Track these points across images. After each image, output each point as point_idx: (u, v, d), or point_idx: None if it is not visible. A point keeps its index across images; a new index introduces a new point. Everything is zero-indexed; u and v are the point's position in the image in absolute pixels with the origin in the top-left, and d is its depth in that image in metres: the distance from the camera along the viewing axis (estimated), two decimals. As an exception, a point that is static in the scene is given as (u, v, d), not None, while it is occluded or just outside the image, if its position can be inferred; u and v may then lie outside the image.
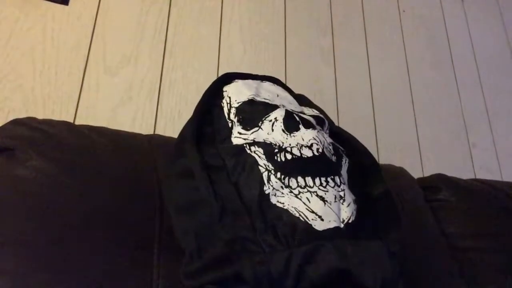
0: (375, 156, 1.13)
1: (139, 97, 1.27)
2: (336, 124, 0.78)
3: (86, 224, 0.62)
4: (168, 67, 1.35)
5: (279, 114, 0.66)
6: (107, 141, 0.75)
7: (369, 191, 0.70)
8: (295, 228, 0.57)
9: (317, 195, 0.59)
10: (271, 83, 0.77)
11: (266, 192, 0.59)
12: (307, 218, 0.58)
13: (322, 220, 0.58)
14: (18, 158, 0.65)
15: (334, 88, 1.59)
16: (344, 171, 0.67)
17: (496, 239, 0.97)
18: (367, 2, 1.84)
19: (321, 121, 0.73)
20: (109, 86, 1.25)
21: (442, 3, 2.07)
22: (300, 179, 0.60)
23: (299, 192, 0.59)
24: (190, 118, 0.70)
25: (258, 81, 0.76)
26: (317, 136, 0.65)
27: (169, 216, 0.67)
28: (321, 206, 0.59)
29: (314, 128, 0.66)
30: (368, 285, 0.56)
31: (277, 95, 0.73)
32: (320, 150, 0.63)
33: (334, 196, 0.60)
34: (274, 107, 0.68)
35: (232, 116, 0.67)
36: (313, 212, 0.58)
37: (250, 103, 0.68)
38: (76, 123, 1.00)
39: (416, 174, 1.10)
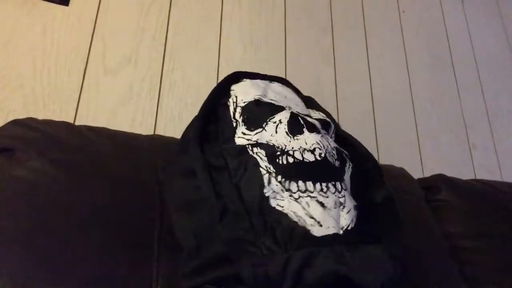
0: (375, 156, 1.12)
1: (139, 97, 1.27)
2: (336, 124, 0.77)
3: (86, 224, 0.62)
4: (168, 68, 1.35)
5: (284, 116, 0.66)
6: (107, 142, 0.75)
7: (372, 196, 0.69)
8: (293, 233, 0.57)
9: (317, 201, 0.59)
10: (280, 84, 0.77)
11: (266, 194, 0.59)
12: (305, 223, 0.57)
13: (321, 226, 0.58)
14: (18, 158, 0.65)
15: (334, 89, 1.59)
16: (347, 176, 0.67)
17: (496, 240, 0.97)
18: (367, 2, 1.84)
19: (327, 125, 0.73)
20: (109, 86, 1.25)
21: (442, 4, 2.07)
22: (300, 183, 0.59)
23: (299, 196, 0.59)
24: (196, 116, 0.70)
25: (267, 82, 0.75)
26: (320, 141, 0.64)
27: (169, 215, 0.67)
28: (321, 212, 0.58)
29: (318, 132, 0.66)
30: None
31: (285, 97, 0.73)
32: (323, 155, 0.63)
33: (334, 202, 0.60)
34: (280, 108, 0.68)
35: (237, 115, 0.67)
36: (312, 217, 0.58)
37: (256, 103, 0.68)
38: (76, 123, 1.00)
39: (416, 174, 1.10)
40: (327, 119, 0.74)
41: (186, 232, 0.62)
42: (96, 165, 0.69)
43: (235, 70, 0.77)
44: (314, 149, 0.63)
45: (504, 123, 1.91)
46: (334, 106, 1.55)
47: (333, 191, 0.61)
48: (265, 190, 0.59)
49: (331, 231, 0.58)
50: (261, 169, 0.61)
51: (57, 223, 0.61)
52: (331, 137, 0.72)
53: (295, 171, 0.61)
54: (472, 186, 1.09)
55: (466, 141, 1.78)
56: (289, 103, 0.71)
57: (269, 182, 0.59)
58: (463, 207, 1.01)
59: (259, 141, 0.63)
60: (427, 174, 1.16)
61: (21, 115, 0.76)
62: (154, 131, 1.24)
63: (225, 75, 0.75)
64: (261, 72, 0.80)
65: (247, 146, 0.63)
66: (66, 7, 1.30)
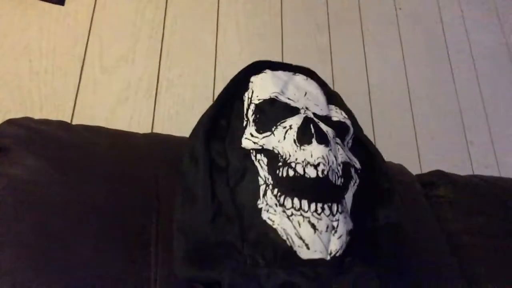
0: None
1: (136, 96, 1.27)
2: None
3: (82, 222, 0.62)
4: (165, 66, 1.34)
5: (295, 122, 0.64)
6: (104, 140, 0.75)
7: (377, 216, 0.67)
8: (279, 250, 0.56)
9: (309, 221, 0.57)
10: (304, 77, 0.73)
11: (259, 206, 0.58)
12: (293, 243, 0.56)
13: (308, 249, 0.56)
14: (14, 158, 0.65)
15: (332, 86, 1.59)
16: (349, 194, 0.65)
17: (495, 236, 0.97)
18: (363, -1, 1.84)
19: (345, 129, 0.70)
20: (106, 85, 1.25)
21: (439, 0, 2.07)
22: (296, 200, 0.58)
23: (292, 214, 0.57)
24: (211, 105, 0.69)
25: (290, 74, 0.73)
26: (327, 155, 0.61)
27: (166, 215, 0.67)
28: (311, 234, 0.57)
29: (327, 144, 0.63)
30: None
31: (305, 93, 0.70)
32: (325, 172, 0.60)
33: (326, 226, 0.58)
34: (295, 110, 0.66)
35: (249, 113, 0.66)
36: (300, 238, 0.57)
37: (271, 102, 0.66)
38: (73, 123, 0.99)
39: (414, 170, 1.10)
40: (346, 122, 0.71)
41: (180, 222, 0.62)
42: (92, 163, 0.69)
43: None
44: (318, 164, 0.60)
45: (501, 119, 1.92)
46: (332, 103, 1.55)
47: (328, 214, 0.58)
48: (258, 202, 0.59)
49: (317, 255, 0.57)
50: (259, 178, 0.60)
51: (54, 222, 0.60)
52: (347, 144, 0.70)
53: (293, 185, 0.59)
54: (470, 182, 1.09)
55: (464, 137, 1.78)
56: (307, 102, 0.68)
57: (264, 194, 0.59)
58: (461, 203, 1.01)
59: (264, 147, 0.62)
60: (425, 170, 1.16)
61: (18, 116, 0.75)
62: (152, 130, 1.24)
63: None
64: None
65: (251, 151, 0.62)
66: (62, 6, 1.29)
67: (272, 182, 0.59)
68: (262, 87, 0.68)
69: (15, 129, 0.69)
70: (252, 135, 0.63)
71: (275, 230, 0.57)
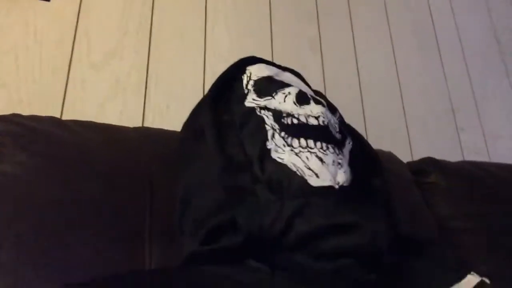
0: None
1: (126, 91, 1.26)
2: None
3: (75, 216, 0.62)
4: (154, 60, 1.33)
5: (293, 90, 0.70)
6: (95, 135, 0.74)
7: (368, 180, 0.72)
8: (291, 181, 0.59)
9: (316, 156, 0.61)
10: (292, 74, 0.81)
11: (268, 147, 0.62)
12: (303, 173, 0.60)
13: (318, 177, 0.60)
14: (4, 154, 0.64)
15: (322, 76, 1.59)
16: (346, 150, 0.70)
17: (484, 220, 0.98)
18: (351, -12, 1.84)
19: (333, 110, 0.77)
20: (95, 81, 1.24)
21: (427, -12, 2.07)
22: (302, 140, 0.63)
23: (300, 151, 0.62)
24: (212, 84, 0.75)
25: (280, 70, 0.80)
26: (325, 112, 0.68)
27: (158, 208, 0.67)
28: (319, 165, 0.61)
29: (323, 105, 0.69)
30: (358, 241, 0.58)
31: (296, 83, 0.77)
32: (326, 123, 0.66)
33: (332, 160, 0.62)
34: (290, 85, 0.72)
35: (249, 86, 0.71)
36: (310, 169, 0.60)
37: (268, 79, 0.72)
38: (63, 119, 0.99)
39: (405, 158, 1.11)
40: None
41: (180, 184, 0.65)
42: (84, 158, 0.69)
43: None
44: (319, 116, 0.66)
45: (490, 105, 1.93)
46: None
47: (332, 151, 0.63)
48: (267, 143, 0.63)
49: (327, 183, 0.60)
50: (266, 125, 0.65)
51: (46, 217, 0.60)
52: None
53: (298, 130, 0.64)
54: (461, 168, 1.10)
55: (454, 124, 1.79)
56: (299, 86, 0.75)
57: (273, 137, 0.63)
58: (452, 189, 1.02)
59: (267, 106, 0.67)
60: (416, 157, 1.17)
61: (6, 113, 0.75)
62: (142, 124, 1.23)
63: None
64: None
65: (255, 107, 0.67)
66: (48, 2, 1.28)
67: (279, 127, 0.64)
68: (258, 71, 0.74)
69: (4, 125, 0.69)
70: (254, 99, 0.69)
71: (285, 165, 0.61)
